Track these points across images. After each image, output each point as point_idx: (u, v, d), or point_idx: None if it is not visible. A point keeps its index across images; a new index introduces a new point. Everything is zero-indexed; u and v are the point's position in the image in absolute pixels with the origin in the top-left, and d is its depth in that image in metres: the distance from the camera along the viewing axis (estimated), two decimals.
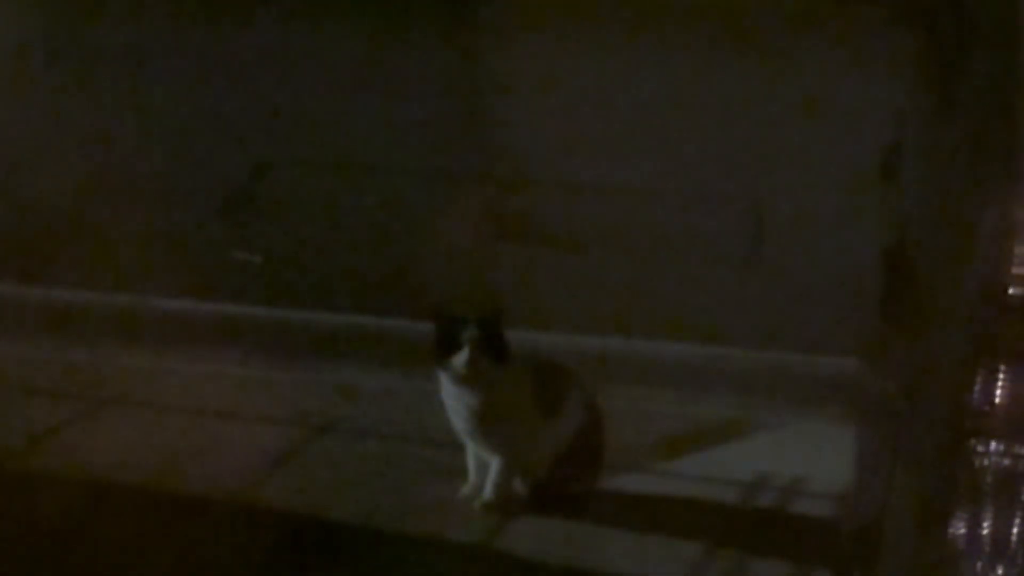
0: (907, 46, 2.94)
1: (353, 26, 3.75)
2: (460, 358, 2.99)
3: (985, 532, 2.51)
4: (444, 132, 3.79)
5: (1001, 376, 2.50)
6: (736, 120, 3.67)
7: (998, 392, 2.50)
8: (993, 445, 2.51)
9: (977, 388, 2.51)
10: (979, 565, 2.53)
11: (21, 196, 3.91)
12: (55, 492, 3.13)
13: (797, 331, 3.68)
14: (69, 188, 3.87)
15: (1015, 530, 2.50)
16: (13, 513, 3.03)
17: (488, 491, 3.12)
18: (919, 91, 2.85)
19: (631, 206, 3.81)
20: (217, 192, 3.89)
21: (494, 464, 3.12)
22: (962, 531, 2.52)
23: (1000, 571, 2.52)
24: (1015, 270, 2.48)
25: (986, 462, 2.51)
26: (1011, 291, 2.49)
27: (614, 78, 3.70)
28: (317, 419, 3.53)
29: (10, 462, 3.27)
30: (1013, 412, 2.50)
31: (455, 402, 3.07)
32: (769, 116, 3.63)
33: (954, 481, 2.51)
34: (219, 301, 3.87)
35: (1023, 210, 2.56)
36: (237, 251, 3.88)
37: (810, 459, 3.35)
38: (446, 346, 3.01)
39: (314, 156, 3.87)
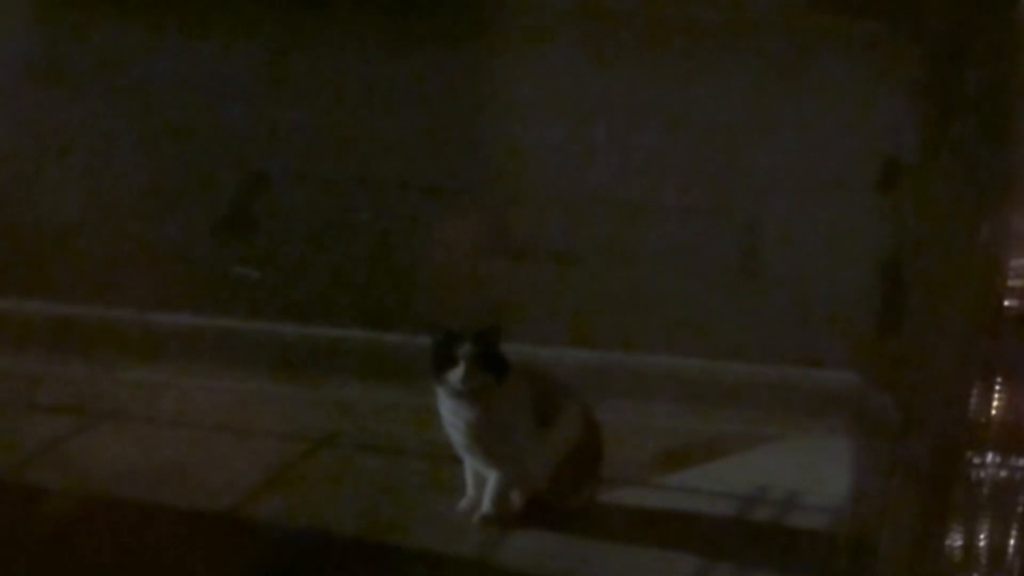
0: (904, 59, 2.95)
1: (352, 41, 3.76)
2: (456, 374, 2.99)
3: (982, 544, 2.50)
4: (441, 147, 3.80)
5: (998, 388, 2.49)
6: (733, 135, 3.67)
7: (995, 404, 2.50)
8: (990, 457, 2.50)
9: (974, 400, 2.50)
10: None
11: (19, 210, 3.91)
12: (53, 506, 3.13)
13: (795, 345, 3.69)
14: (67, 202, 3.88)
15: (1012, 542, 2.50)
16: (12, 527, 3.02)
17: (486, 505, 3.12)
18: (916, 104, 2.85)
19: (629, 221, 3.81)
20: (214, 206, 3.89)
21: (492, 478, 3.12)
22: (959, 543, 2.51)
23: None
24: (1011, 283, 2.48)
25: (983, 474, 2.50)
26: (1007, 303, 2.48)
27: (613, 94, 3.71)
28: (315, 433, 3.53)
29: (9, 476, 3.26)
30: (1010, 424, 2.49)
31: (452, 417, 3.07)
32: (766, 130, 3.63)
33: (951, 493, 2.51)
34: (217, 315, 3.87)
35: (1019, 222, 2.56)
36: (235, 265, 3.88)
37: (808, 472, 3.35)
38: (443, 362, 3.01)
39: (311, 171, 3.88)
